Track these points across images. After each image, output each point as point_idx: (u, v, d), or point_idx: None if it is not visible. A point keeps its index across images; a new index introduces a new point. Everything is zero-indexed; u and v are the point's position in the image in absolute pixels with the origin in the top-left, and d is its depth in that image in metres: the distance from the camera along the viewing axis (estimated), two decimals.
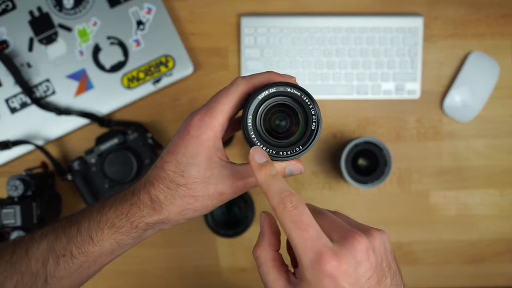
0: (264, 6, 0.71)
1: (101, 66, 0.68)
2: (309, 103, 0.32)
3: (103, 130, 0.69)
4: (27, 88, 0.66)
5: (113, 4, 0.68)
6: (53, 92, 0.68)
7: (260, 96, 0.32)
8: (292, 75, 0.35)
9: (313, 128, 0.32)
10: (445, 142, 0.71)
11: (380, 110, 0.71)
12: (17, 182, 0.60)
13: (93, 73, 0.68)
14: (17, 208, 0.59)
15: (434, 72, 0.71)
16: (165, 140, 0.70)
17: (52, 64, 0.68)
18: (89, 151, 0.65)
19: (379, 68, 0.70)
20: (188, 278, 0.71)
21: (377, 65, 0.70)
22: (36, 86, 0.68)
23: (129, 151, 0.64)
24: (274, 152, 0.32)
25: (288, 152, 0.32)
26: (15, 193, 0.59)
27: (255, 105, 0.32)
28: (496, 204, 0.72)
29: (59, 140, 0.70)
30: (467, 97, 0.70)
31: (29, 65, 0.68)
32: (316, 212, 0.31)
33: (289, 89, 0.32)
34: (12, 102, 0.68)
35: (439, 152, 0.71)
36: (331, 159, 0.71)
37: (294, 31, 0.69)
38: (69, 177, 0.66)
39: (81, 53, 0.68)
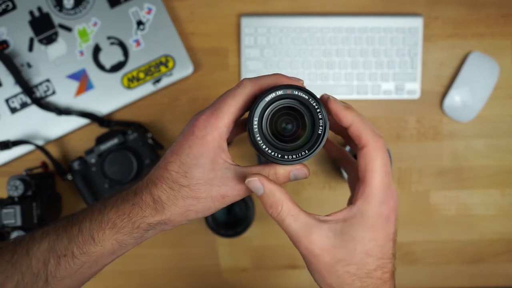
0: (264, 6, 0.71)
1: (101, 66, 0.68)
2: (316, 106, 0.32)
3: (103, 130, 0.69)
4: (27, 88, 0.66)
5: (113, 4, 0.68)
6: (53, 92, 0.68)
7: (267, 98, 0.32)
8: (300, 78, 0.34)
9: (319, 132, 0.32)
10: (445, 142, 0.71)
11: (380, 110, 0.71)
12: (17, 182, 0.60)
13: (93, 73, 0.68)
14: (17, 208, 0.58)
15: (434, 72, 0.71)
16: (165, 140, 0.70)
17: (52, 64, 0.68)
18: (89, 151, 0.65)
19: (379, 68, 0.70)
20: (188, 278, 0.71)
21: (377, 65, 0.70)
22: (36, 86, 0.68)
23: (129, 151, 0.64)
24: (279, 156, 0.32)
25: (294, 156, 0.32)
26: (15, 193, 0.59)
27: (262, 107, 0.32)
28: (496, 204, 0.72)
29: (59, 140, 0.70)
30: (467, 97, 0.70)
31: (29, 65, 0.68)
32: None
33: (296, 92, 0.32)
34: (12, 102, 0.68)
35: (439, 152, 0.71)
36: (331, 159, 0.71)
37: (294, 31, 0.69)
38: (69, 177, 0.66)
39: (81, 53, 0.68)
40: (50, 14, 0.68)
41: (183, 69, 0.69)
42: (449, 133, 0.71)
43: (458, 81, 0.70)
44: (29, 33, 0.68)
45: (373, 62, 0.70)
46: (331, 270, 0.32)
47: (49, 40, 0.68)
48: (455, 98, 0.70)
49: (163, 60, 0.68)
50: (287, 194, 0.32)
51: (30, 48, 0.68)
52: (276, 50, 0.70)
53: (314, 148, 0.32)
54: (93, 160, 0.65)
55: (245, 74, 0.70)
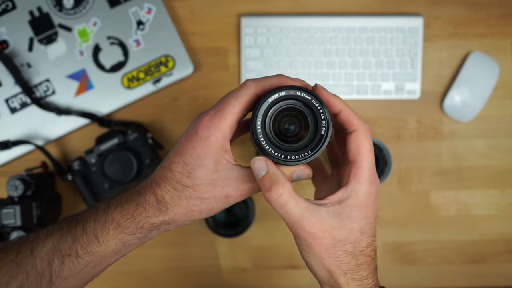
0: (264, 6, 0.71)
1: (101, 66, 0.68)
2: (319, 107, 0.32)
3: (103, 130, 0.69)
4: (27, 88, 0.66)
5: (113, 4, 0.68)
6: (53, 92, 0.68)
7: (270, 99, 0.32)
8: (303, 79, 0.35)
9: (322, 133, 0.32)
10: (445, 142, 0.71)
11: (380, 110, 0.71)
12: (17, 182, 0.60)
13: (93, 73, 0.68)
14: (17, 208, 0.58)
15: (434, 72, 0.71)
16: (165, 140, 0.70)
17: (52, 64, 0.68)
18: (89, 151, 0.65)
19: (379, 68, 0.70)
20: (188, 278, 0.71)
21: (377, 65, 0.70)
22: (36, 86, 0.68)
23: (129, 151, 0.64)
24: (282, 156, 0.32)
25: (297, 157, 0.32)
26: (15, 193, 0.59)
27: (265, 108, 0.32)
28: (496, 204, 0.72)
29: (59, 140, 0.70)
30: (467, 97, 0.70)
31: (29, 65, 0.68)
32: None
33: (299, 93, 0.32)
34: (12, 102, 0.67)
35: (439, 152, 0.71)
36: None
37: (294, 31, 0.69)
38: (69, 177, 0.66)
39: (81, 53, 0.68)
40: (50, 14, 0.68)
41: (183, 69, 0.69)
42: (449, 133, 0.71)
43: (458, 81, 0.70)
44: (29, 33, 0.68)
45: (373, 62, 0.70)
46: (331, 251, 0.32)
47: (49, 40, 0.68)
48: (455, 98, 0.70)
49: (163, 60, 0.68)
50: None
51: (30, 48, 0.68)
52: (276, 50, 0.70)
53: (317, 149, 0.32)
54: (93, 160, 0.65)
55: (245, 74, 0.70)
